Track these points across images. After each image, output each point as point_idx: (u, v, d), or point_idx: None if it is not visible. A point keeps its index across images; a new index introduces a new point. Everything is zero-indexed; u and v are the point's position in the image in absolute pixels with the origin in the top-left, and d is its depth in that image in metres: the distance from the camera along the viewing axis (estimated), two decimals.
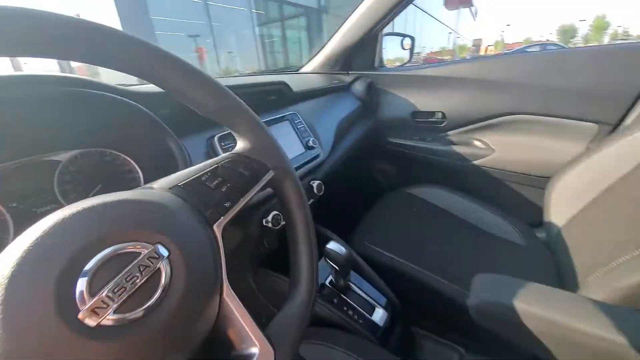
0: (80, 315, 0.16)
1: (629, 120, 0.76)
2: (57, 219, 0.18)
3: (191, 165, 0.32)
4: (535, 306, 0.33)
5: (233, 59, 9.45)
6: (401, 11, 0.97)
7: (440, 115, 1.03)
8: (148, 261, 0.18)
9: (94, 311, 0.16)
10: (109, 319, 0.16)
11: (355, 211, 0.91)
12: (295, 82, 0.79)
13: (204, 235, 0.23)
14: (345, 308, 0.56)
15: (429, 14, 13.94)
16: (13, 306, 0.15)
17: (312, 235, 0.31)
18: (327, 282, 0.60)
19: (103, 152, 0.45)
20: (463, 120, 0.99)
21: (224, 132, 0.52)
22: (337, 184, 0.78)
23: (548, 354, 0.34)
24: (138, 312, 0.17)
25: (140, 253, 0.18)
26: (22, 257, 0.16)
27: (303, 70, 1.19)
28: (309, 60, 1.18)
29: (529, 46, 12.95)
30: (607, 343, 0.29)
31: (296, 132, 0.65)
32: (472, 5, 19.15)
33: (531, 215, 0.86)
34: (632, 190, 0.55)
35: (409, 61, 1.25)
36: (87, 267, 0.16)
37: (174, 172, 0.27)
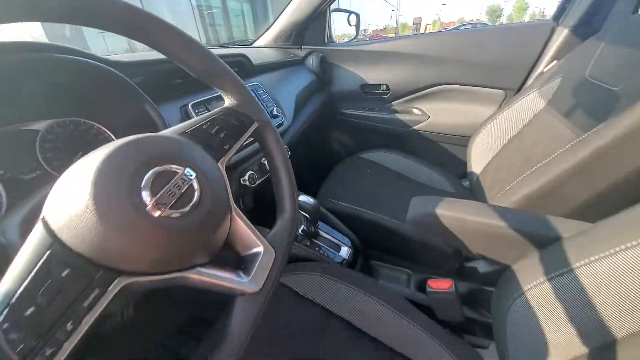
0: (148, 209, 0.22)
1: (527, 84, 0.96)
2: (121, 143, 0.24)
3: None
4: (451, 211, 0.47)
5: None
6: None
7: (384, 87, 1.16)
8: (184, 177, 0.25)
9: (156, 206, 0.23)
10: (167, 212, 0.23)
11: (316, 175, 1.01)
12: (252, 56, 0.83)
13: (215, 167, 0.30)
14: (317, 248, 0.67)
15: None
16: (101, 189, 0.21)
17: (291, 170, 0.39)
18: (299, 231, 0.70)
19: (77, 122, 0.46)
20: (403, 91, 1.14)
21: (196, 100, 0.56)
22: (299, 150, 0.86)
23: (463, 246, 0.49)
24: (185, 209, 0.24)
25: (177, 172, 0.25)
26: (104, 160, 0.22)
27: (256, 44, 1.21)
28: (261, 35, 1.20)
29: (462, 25, 14.06)
30: (494, 228, 0.44)
31: (260, 102, 0.71)
32: None
33: (459, 168, 1.05)
34: (528, 137, 0.74)
35: (356, 37, 1.34)
36: (146, 176, 0.23)
37: None
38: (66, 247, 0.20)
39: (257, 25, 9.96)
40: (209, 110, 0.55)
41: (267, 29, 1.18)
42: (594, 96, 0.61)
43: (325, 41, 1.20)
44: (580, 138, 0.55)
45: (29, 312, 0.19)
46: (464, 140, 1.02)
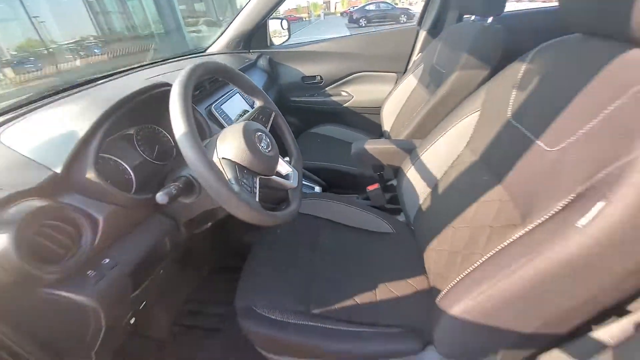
0: (261, 149, 0.58)
1: (408, 68, 1.47)
2: (244, 123, 0.58)
3: (210, 128, 0.73)
4: (373, 144, 0.94)
5: (42, 27, 7.20)
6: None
7: (319, 78, 1.56)
8: (268, 137, 0.61)
9: (264, 147, 0.59)
10: (267, 152, 0.59)
11: (283, 149, 1.38)
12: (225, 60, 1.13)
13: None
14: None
15: None
16: (246, 138, 0.55)
17: (292, 134, 0.77)
18: None
19: (152, 127, 0.75)
20: (332, 79, 1.56)
21: (215, 102, 0.87)
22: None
23: (385, 169, 0.96)
24: (269, 151, 0.61)
25: (265, 132, 0.61)
26: (243, 127, 0.56)
27: (210, 51, 1.46)
28: (213, 43, 1.46)
29: (367, 4, 15.16)
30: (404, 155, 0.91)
31: (244, 99, 1.04)
32: None
33: (377, 128, 1.54)
34: (411, 100, 1.22)
35: (289, 39, 1.69)
36: (257, 135, 0.58)
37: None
38: (239, 164, 0.55)
39: (161, 14, 9.08)
40: (221, 109, 0.87)
41: (218, 38, 1.44)
42: (436, 75, 1.12)
43: (268, 44, 1.53)
44: (431, 96, 1.04)
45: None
46: (377, 109, 1.50)
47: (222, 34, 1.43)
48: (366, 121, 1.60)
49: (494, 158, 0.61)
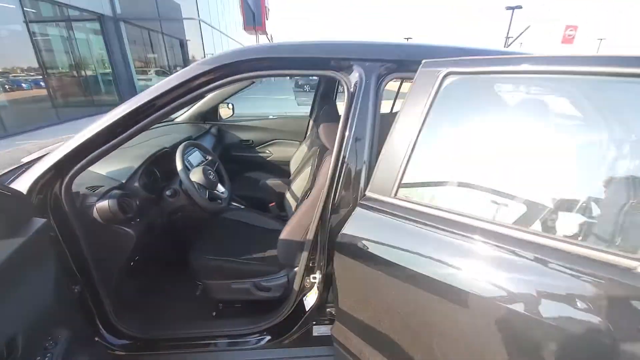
0: None
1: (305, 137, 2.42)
2: (200, 167, 1.34)
3: None
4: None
5: None
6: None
7: (251, 141, 2.41)
8: None
9: None
10: None
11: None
12: (186, 131, 1.89)
13: None
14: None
15: (232, 39, 15.76)
16: (205, 175, 1.31)
17: (225, 172, 1.54)
18: None
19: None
20: (259, 142, 2.42)
21: (186, 156, 1.61)
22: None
23: None
24: None
25: None
26: (202, 169, 1.32)
27: (178, 120, 2.21)
28: (180, 115, 2.22)
29: None
30: None
31: (201, 154, 1.79)
32: (266, 33, 23.40)
33: (287, 174, 2.38)
34: (306, 163, 2.11)
35: (232, 114, 2.55)
36: None
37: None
38: (199, 184, 1.30)
39: (112, 59, 9.49)
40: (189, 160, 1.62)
41: (184, 112, 2.22)
42: (315, 142, 2.04)
43: (218, 118, 2.35)
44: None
45: None
46: (287, 163, 2.36)
47: (187, 110, 2.22)
48: (280, 170, 2.46)
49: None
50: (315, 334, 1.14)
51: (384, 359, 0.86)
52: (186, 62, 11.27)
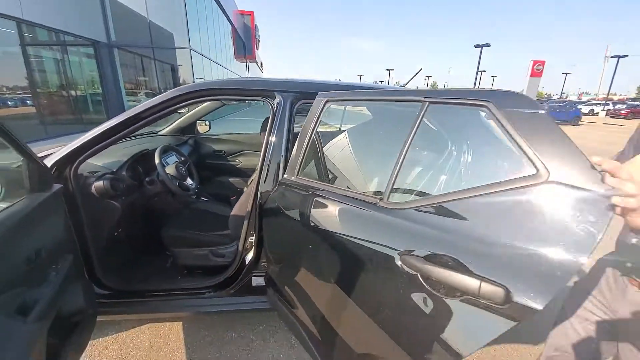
0: None
1: None
2: (174, 164, 1.78)
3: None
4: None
5: None
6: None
7: (223, 151, 2.86)
8: None
9: None
10: None
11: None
12: (168, 141, 2.33)
13: None
14: None
15: (221, 65, 16.67)
16: (177, 169, 1.75)
17: (195, 169, 1.98)
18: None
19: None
20: (230, 153, 2.87)
21: (164, 157, 2.04)
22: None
23: None
24: None
25: None
26: (175, 165, 1.76)
27: (161, 132, 2.66)
28: (164, 128, 2.67)
29: None
30: None
31: (176, 156, 2.22)
32: (256, 62, 24.83)
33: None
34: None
35: (209, 129, 3.01)
36: None
37: None
38: (172, 175, 1.73)
39: (103, 80, 9.95)
40: (166, 161, 2.05)
41: (167, 127, 2.67)
42: None
43: (195, 133, 2.81)
44: None
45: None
46: (254, 170, 2.81)
47: (169, 125, 2.67)
48: (247, 175, 2.89)
49: None
50: (254, 284, 1.53)
51: (294, 293, 1.27)
52: (176, 84, 11.87)
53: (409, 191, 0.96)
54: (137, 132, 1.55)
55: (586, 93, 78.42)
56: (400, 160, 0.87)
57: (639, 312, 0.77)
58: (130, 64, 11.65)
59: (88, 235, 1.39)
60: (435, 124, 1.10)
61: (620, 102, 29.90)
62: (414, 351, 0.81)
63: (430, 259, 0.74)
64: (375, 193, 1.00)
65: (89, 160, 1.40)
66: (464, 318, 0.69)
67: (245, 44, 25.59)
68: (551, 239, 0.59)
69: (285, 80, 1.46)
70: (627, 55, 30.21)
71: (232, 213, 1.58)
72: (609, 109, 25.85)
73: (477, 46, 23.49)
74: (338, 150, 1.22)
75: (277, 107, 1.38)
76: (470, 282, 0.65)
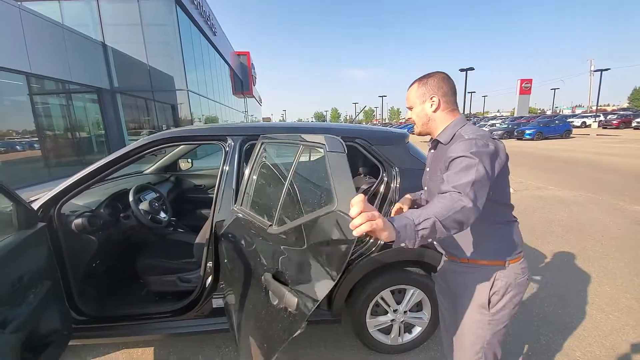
0: None
1: None
2: (147, 201, 2.04)
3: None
4: None
5: None
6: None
7: (203, 185, 3.13)
8: None
9: None
10: None
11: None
12: (149, 177, 2.62)
13: None
14: None
15: (218, 102, 17.60)
16: (151, 206, 2.00)
17: (169, 206, 2.23)
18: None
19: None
20: (210, 186, 3.14)
21: (142, 194, 2.30)
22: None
23: None
24: None
25: None
26: (148, 202, 2.03)
27: (146, 171, 2.95)
28: (149, 167, 2.97)
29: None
30: None
31: (154, 192, 2.48)
32: (253, 96, 26.15)
33: None
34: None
35: (192, 166, 3.31)
36: None
37: None
38: (146, 210, 1.98)
39: (106, 123, 10.59)
40: (145, 197, 2.31)
41: (151, 166, 2.97)
42: None
43: (178, 170, 3.11)
44: None
45: None
46: None
47: (152, 165, 2.98)
48: None
49: None
50: (214, 306, 1.72)
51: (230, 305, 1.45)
52: (177, 122, 12.51)
53: (281, 219, 1.15)
54: (123, 172, 1.82)
55: (579, 106, 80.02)
56: (283, 193, 1.13)
57: None
58: (132, 106, 12.40)
59: (68, 266, 1.61)
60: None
61: (612, 112, 30.54)
62: (266, 344, 1.04)
63: (274, 276, 1.03)
64: (269, 220, 1.22)
65: (72, 201, 1.66)
66: (281, 321, 0.95)
67: (242, 81, 27.06)
68: (331, 255, 0.81)
69: (235, 126, 1.77)
70: (609, 69, 31.38)
71: (196, 241, 1.81)
72: (601, 120, 26.44)
73: (461, 70, 24.66)
74: (268, 183, 1.47)
75: (229, 148, 1.67)
76: (284, 294, 0.94)
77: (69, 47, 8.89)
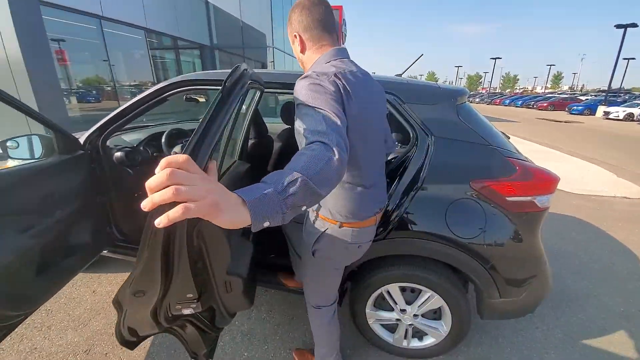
0: None
1: None
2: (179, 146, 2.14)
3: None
4: None
5: (110, 69, 8.93)
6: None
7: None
8: None
9: None
10: None
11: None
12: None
13: None
14: None
15: None
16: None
17: None
18: None
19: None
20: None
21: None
22: None
23: None
24: None
25: None
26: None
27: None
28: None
29: None
30: None
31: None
32: None
33: None
34: None
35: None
36: None
37: None
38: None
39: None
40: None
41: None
42: None
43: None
44: None
45: None
46: None
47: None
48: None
49: None
50: None
51: None
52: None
53: None
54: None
55: None
56: None
57: None
58: (227, 62, 13.56)
59: (112, 191, 1.84)
60: None
61: None
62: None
63: None
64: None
65: (122, 137, 1.84)
66: None
67: None
68: None
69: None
70: None
71: None
72: None
73: (618, 26, 18.12)
74: None
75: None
76: None
77: (177, 3, 9.92)
